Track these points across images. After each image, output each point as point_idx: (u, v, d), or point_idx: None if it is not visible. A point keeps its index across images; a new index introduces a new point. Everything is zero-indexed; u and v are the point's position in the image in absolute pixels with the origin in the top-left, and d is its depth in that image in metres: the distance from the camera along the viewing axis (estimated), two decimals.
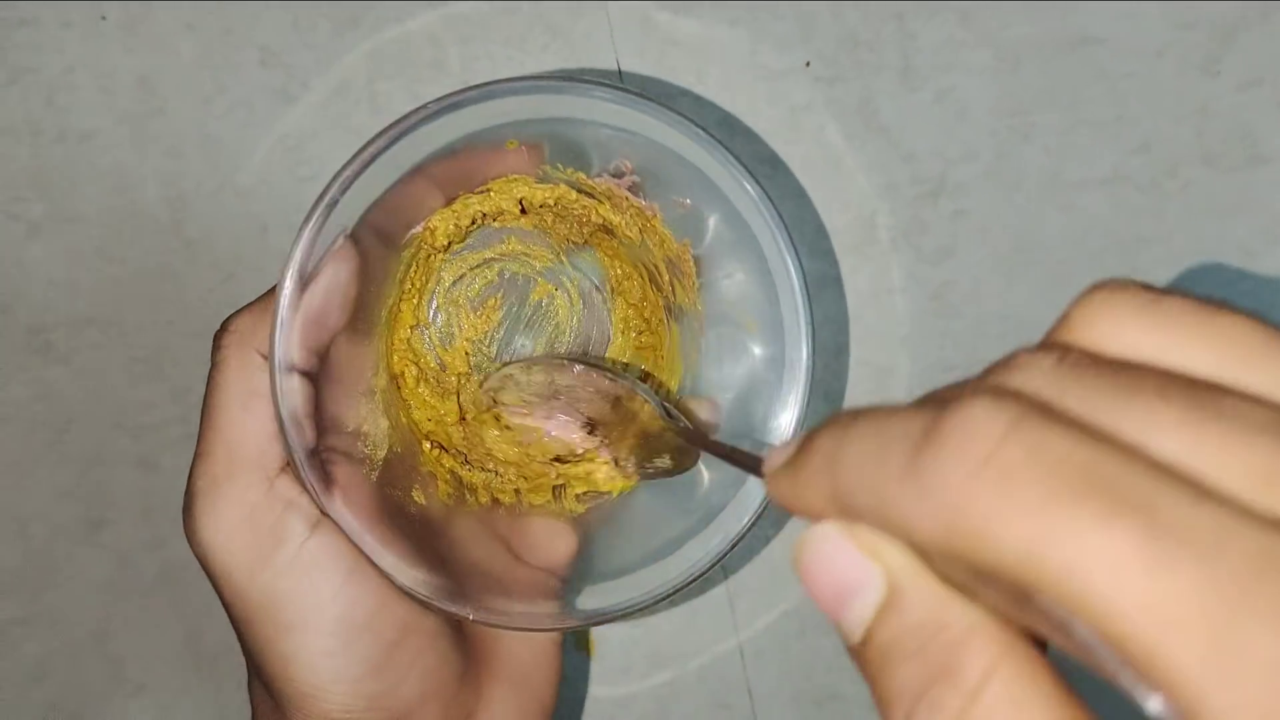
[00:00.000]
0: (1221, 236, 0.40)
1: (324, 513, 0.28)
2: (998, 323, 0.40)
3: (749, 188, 0.29)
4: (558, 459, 0.35)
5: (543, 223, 0.36)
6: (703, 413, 0.32)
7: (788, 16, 0.40)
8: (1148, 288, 0.15)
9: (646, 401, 0.31)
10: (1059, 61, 0.40)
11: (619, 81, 0.40)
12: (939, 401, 0.15)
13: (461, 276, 0.37)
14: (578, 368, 0.32)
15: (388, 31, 0.40)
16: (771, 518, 0.42)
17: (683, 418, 0.31)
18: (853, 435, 0.15)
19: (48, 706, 0.42)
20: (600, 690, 0.42)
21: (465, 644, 0.32)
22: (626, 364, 0.37)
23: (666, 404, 0.31)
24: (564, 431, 0.35)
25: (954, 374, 0.40)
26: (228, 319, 0.29)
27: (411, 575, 0.28)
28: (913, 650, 0.15)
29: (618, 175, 0.32)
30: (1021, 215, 0.40)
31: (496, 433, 0.35)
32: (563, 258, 0.37)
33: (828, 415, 0.18)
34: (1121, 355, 0.15)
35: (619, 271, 0.37)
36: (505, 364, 0.35)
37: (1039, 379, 0.15)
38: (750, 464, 0.23)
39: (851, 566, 0.15)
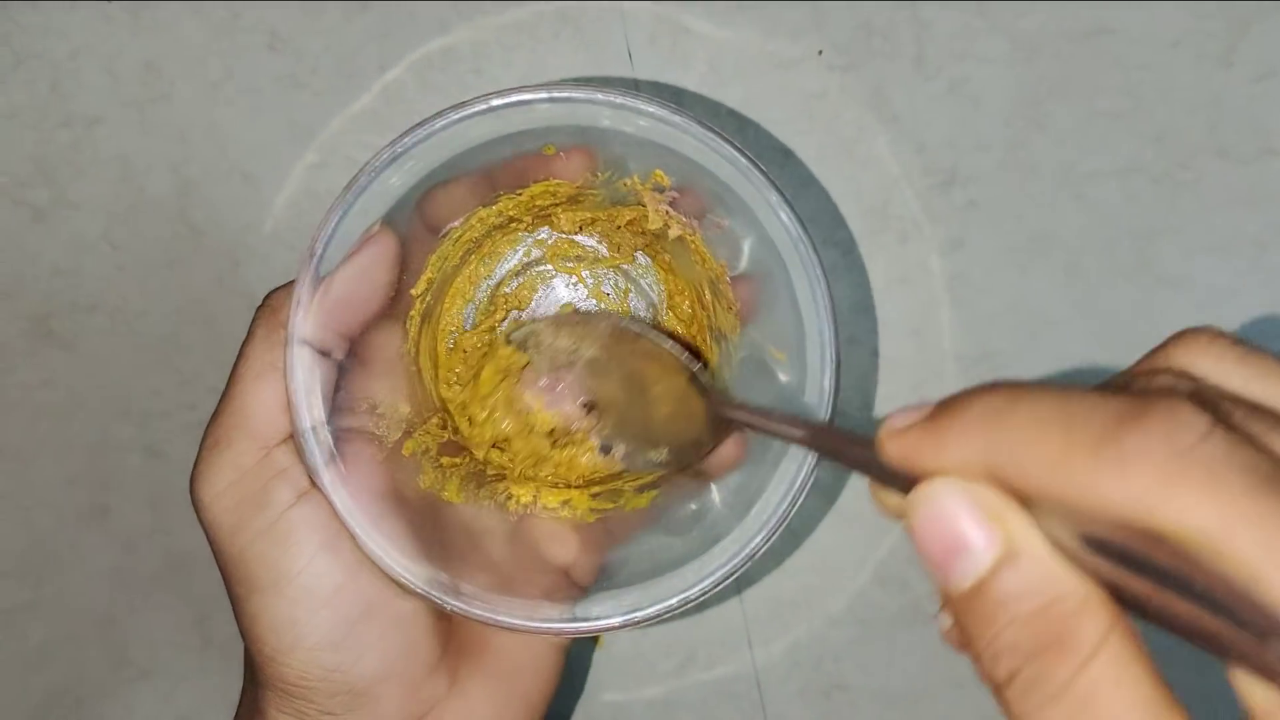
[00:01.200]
0: (1234, 229, 0.40)
1: (314, 484, 0.29)
2: (1009, 314, 0.40)
3: (783, 215, 0.29)
4: (552, 432, 0.35)
5: (592, 231, 0.36)
6: (728, 443, 0.32)
7: (801, 4, 0.40)
8: (1240, 340, 0.18)
9: (679, 372, 0.31)
10: (1074, 51, 0.39)
11: (634, 80, 0.40)
12: (1116, 389, 0.18)
13: (516, 274, 0.37)
14: (615, 323, 0.32)
15: (397, 16, 0.40)
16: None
17: (719, 392, 0.30)
18: (1029, 404, 0.17)
19: (53, 691, 0.42)
20: (608, 677, 0.42)
21: (447, 633, 0.32)
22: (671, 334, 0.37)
23: (700, 374, 0.31)
24: (562, 403, 0.35)
25: (963, 364, 0.40)
26: (268, 294, 0.30)
27: (397, 558, 0.29)
28: (1028, 612, 0.16)
29: (658, 190, 0.32)
30: (1034, 206, 0.40)
31: (495, 395, 0.35)
32: (619, 266, 0.37)
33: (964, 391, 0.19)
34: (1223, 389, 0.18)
35: (672, 286, 0.36)
36: (537, 320, 0.35)
37: (1211, 364, 0.18)
38: (791, 432, 0.25)
39: (972, 524, 0.17)
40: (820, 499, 0.41)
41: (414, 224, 0.31)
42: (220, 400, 0.30)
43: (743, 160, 0.29)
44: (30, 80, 0.40)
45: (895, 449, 0.18)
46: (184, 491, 0.41)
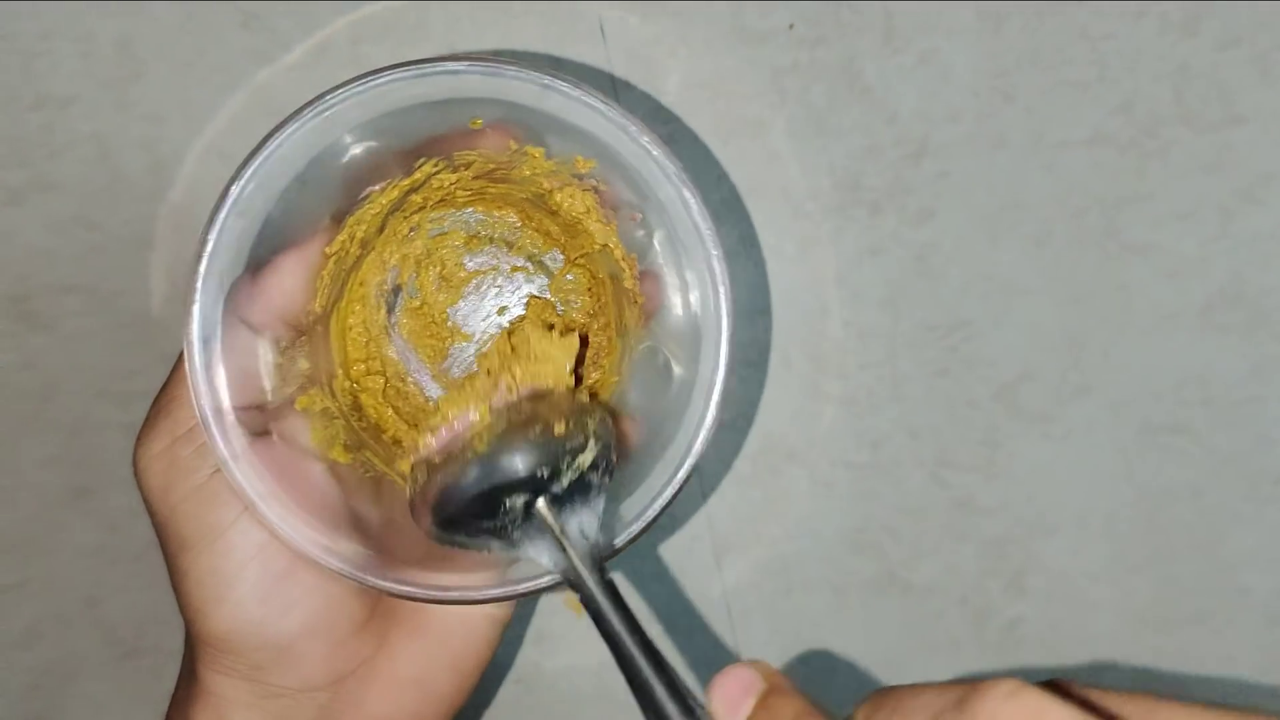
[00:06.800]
0: (1200, 195, 0.40)
1: (220, 460, 0.29)
2: (980, 283, 0.41)
3: (692, 210, 0.29)
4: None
5: (505, 211, 0.36)
6: (625, 431, 0.32)
7: None
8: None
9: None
10: (1041, 22, 0.40)
11: (605, 52, 0.40)
12: None
13: (428, 254, 0.37)
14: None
15: None
16: (745, 476, 0.42)
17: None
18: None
19: (42, 671, 0.42)
20: (582, 645, 0.42)
21: (375, 595, 0.33)
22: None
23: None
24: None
25: (936, 334, 0.41)
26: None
27: (306, 534, 0.29)
28: None
29: (577, 176, 0.32)
30: (1003, 176, 0.40)
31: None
32: (532, 255, 0.37)
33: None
34: None
35: (583, 281, 0.37)
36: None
37: None
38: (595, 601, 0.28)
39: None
40: (798, 467, 0.42)
41: (334, 183, 0.31)
42: (169, 375, 0.31)
43: (656, 151, 0.29)
44: (2, 62, 0.40)
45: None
46: None
